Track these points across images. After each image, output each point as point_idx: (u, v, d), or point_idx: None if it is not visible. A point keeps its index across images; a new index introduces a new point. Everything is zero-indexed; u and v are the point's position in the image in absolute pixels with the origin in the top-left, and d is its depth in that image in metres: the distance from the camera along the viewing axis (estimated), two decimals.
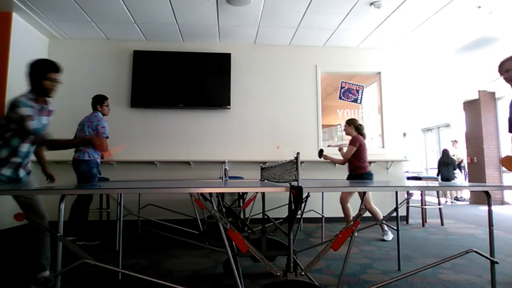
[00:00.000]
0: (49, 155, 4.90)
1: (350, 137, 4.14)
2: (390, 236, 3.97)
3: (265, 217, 2.91)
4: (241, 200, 4.66)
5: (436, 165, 10.32)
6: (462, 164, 8.59)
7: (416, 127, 11.29)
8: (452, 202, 8.50)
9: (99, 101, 3.98)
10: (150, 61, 5.19)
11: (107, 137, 3.80)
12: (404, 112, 5.82)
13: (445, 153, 8.07)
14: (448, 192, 8.71)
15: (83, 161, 3.73)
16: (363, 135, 4.08)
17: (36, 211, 2.26)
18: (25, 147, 2.25)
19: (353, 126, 4.08)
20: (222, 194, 3.07)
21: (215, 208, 1.74)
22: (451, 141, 8.92)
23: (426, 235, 4.24)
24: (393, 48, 5.58)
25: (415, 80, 7.29)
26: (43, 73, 2.24)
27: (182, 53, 5.23)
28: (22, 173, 2.33)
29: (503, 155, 7.74)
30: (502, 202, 7.68)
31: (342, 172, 5.24)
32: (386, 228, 3.99)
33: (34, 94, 2.24)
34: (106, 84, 5.18)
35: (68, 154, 4.12)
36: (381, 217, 3.92)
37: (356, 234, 3.08)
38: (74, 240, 3.65)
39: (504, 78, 2.57)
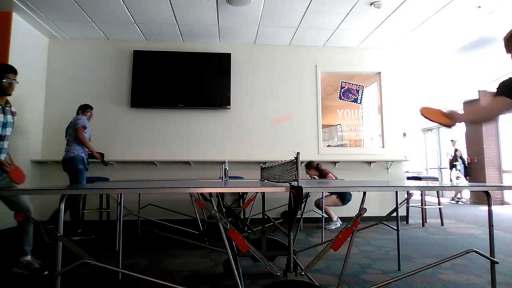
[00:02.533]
0: (48, 155, 4.91)
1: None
2: (333, 226, 4.70)
3: (265, 217, 2.90)
4: (241, 200, 4.67)
5: (435, 165, 10.41)
6: (455, 163, 8.57)
7: (416, 127, 11.28)
8: (456, 201, 8.53)
9: (82, 108, 4.21)
10: (150, 61, 5.18)
11: (84, 127, 3.93)
12: (404, 112, 5.82)
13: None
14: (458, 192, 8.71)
15: (68, 159, 3.85)
16: (323, 170, 4.79)
17: (21, 205, 2.54)
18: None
19: (313, 168, 4.77)
20: (222, 194, 3.08)
21: (215, 208, 1.74)
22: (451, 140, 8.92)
23: (426, 235, 4.24)
24: (393, 48, 5.58)
25: (415, 80, 7.28)
26: (0, 74, 2.54)
27: (182, 53, 5.23)
28: None
29: (503, 155, 7.76)
30: (502, 202, 7.68)
31: (342, 172, 5.25)
32: (335, 219, 4.76)
33: None
34: (106, 84, 5.18)
35: None
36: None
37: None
38: (69, 237, 3.68)
39: None
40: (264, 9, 4.33)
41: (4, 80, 2.55)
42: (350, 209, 4.81)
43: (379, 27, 4.84)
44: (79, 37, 5.18)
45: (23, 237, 2.61)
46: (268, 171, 2.65)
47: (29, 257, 2.61)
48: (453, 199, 8.72)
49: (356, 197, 4.80)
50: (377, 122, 5.63)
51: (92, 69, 5.20)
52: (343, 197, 4.72)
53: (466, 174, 8.22)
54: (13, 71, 2.63)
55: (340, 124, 5.66)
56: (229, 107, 5.20)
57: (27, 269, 2.56)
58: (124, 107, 5.16)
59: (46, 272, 2.57)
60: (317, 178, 4.72)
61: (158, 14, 4.45)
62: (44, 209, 4.53)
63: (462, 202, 8.47)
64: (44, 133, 5.01)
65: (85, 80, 5.16)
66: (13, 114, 2.65)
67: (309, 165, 4.78)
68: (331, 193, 4.72)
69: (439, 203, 5.18)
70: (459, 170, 8.30)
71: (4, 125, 2.53)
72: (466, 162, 8.32)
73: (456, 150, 8.39)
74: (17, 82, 2.65)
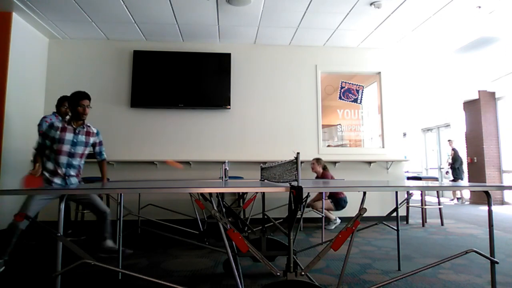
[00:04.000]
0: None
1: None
2: (333, 226, 4.73)
3: (265, 217, 2.91)
4: (241, 200, 4.67)
5: (436, 165, 10.42)
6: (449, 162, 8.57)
7: (416, 127, 11.29)
8: (457, 200, 8.52)
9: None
10: (150, 61, 5.19)
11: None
12: (404, 112, 5.82)
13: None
14: (458, 192, 8.68)
15: None
16: (325, 173, 4.74)
17: (97, 207, 2.90)
18: (63, 159, 2.78)
19: (321, 165, 4.75)
20: (222, 194, 3.08)
21: (215, 208, 1.74)
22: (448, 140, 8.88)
23: (426, 235, 4.24)
24: (393, 48, 5.58)
25: (415, 80, 7.29)
26: (76, 101, 2.87)
27: (182, 53, 5.23)
28: (73, 180, 2.85)
29: (503, 155, 7.76)
30: (502, 202, 7.68)
31: (342, 172, 5.25)
32: (333, 218, 4.77)
33: (71, 118, 2.89)
34: (106, 84, 5.18)
35: None
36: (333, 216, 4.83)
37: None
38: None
39: None
40: (264, 9, 4.33)
41: (79, 107, 2.86)
42: (350, 209, 4.81)
43: (379, 27, 4.84)
44: (79, 37, 5.18)
45: (103, 225, 2.93)
46: (268, 171, 2.65)
47: (110, 242, 2.95)
48: (457, 199, 8.68)
49: (356, 197, 4.81)
50: (377, 122, 5.63)
51: (92, 69, 5.20)
52: (337, 203, 4.68)
53: (454, 176, 8.14)
54: (87, 97, 2.94)
55: (340, 124, 5.66)
56: (229, 107, 5.20)
57: (110, 253, 2.90)
58: (124, 107, 5.16)
59: (132, 251, 2.94)
60: (317, 174, 4.75)
61: (158, 14, 4.45)
62: (45, 209, 4.52)
63: (463, 201, 8.47)
64: None
65: (85, 80, 5.15)
66: (89, 134, 2.95)
67: (319, 161, 4.75)
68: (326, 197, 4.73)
69: (439, 203, 5.18)
70: (448, 164, 8.37)
71: (74, 143, 2.83)
72: (462, 163, 8.26)
73: (452, 149, 8.34)
74: (91, 107, 2.94)
